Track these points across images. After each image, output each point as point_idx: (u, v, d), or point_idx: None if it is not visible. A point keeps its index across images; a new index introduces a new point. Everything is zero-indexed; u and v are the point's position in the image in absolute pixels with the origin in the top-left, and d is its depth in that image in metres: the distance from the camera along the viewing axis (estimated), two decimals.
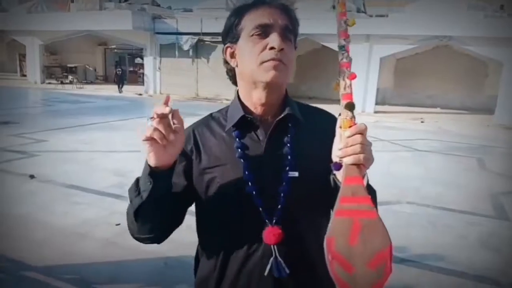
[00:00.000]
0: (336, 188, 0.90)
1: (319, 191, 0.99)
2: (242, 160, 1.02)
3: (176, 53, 18.27)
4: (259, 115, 1.06)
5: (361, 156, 0.84)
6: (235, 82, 1.11)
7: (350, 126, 0.86)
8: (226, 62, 1.09)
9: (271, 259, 0.99)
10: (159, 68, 19.32)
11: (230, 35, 1.05)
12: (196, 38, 17.73)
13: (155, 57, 19.31)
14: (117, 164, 6.39)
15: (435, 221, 4.54)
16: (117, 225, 3.96)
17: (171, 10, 21.81)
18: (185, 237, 3.48)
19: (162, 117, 0.85)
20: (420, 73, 18.28)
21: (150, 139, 0.86)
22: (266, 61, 0.97)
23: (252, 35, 0.99)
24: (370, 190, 1.01)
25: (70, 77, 23.07)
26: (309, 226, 1.04)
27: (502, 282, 3.25)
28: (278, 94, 1.05)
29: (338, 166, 0.89)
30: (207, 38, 17.64)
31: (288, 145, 1.03)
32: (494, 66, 15.50)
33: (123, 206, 5.09)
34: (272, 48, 0.96)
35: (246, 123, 1.05)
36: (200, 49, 18.20)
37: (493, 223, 4.59)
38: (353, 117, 0.88)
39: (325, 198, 0.98)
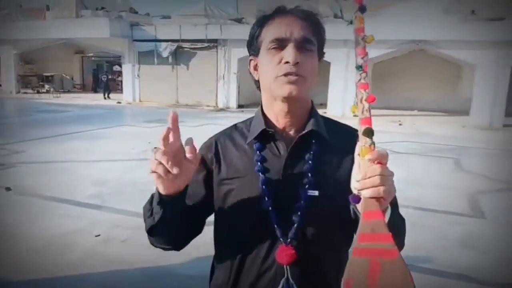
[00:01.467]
0: (356, 219, 0.85)
1: (339, 212, 0.94)
2: (260, 174, 0.99)
3: (155, 60, 18.16)
4: (282, 128, 1.04)
5: (381, 189, 0.77)
6: None
7: None
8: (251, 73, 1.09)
9: (283, 280, 0.95)
10: (138, 76, 19.15)
11: (252, 47, 1.05)
12: (175, 45, 17.67)
13: (133, 64, 19.14)
14: (97, 173, 6.29)
15: (415, 221, 4.62)
16: (96, 236, 3.90)
17: (149, 17, 21.70)
18: None
19: (167, 151, 0.83)
20: (397, 77, 18.62)
21: (155, 172, 0.84)
22: (281, 76, 0.96)
23: (269, 48, 0.98)
24: (400, 220, 0.99)
25: (46, 86, 22.63)
26: (325, 248, 1.00)
27: (480, 280, 3.34)
28: (300, 106, 1.02)
29: (357, 199, 0.82)
30: (186, 45, 17.60)
31: (310, 162, 1.00)
32: (468, 69, 15.90)
33: (103, 216, 5.01)
34: (287, 62, 0.95)
35: (268, 136, 1.03)
36: (179, 56, 18.14)
37: (471, 221, 4.71)
38: (373, 144, 0.81)
39: (345, 220, 0.93)
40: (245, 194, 1.00)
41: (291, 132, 1.03)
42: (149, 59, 18.38)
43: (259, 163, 1.01)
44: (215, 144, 1.08)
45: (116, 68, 26.41)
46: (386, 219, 0.81)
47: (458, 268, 3.51)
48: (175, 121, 0.84)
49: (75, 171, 6.48)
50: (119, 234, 4.00)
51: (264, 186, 0.98)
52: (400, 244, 0.92)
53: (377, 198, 0.78)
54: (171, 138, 0.83)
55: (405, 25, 13.94)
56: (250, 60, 1.06)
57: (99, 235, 3.89)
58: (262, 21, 1.02)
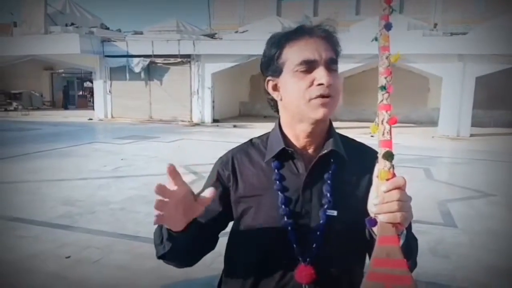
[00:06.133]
0: (371, 240, 0.85)
1: (357, 232, 0.94)
2: (279, 193, 0.99)
3: (127, 75, 17.95)
4: (301, 147, 1.03)
5: (398, 214, 0.77)
6: (277, 111, 1.08)
7: (388, 179, 0.79)
8: (267, 92, 1.06)
9: None
10: (110, 92, 18.88)
11: (271, 68, 1.01)
12: (148, 60, 17.55)
13: (105, 81, 18.86)
14: (66, 193, 6.11)
15: None
16: (67, 257, 3.77)
17: (121, 33, 21.48)
18: (144, 264, 3.36)
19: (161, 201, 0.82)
20: (368, 90, 18.93)
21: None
22: (314, 98, 0.94)
23: (297, 71, 0.95)
24: (413, 241, 1.00)
25: (14, 104, 22.00)
26: (343, 268, 1.00)
27: (452, 287, 3.40)
28: (323, 126, 1.02)
29: (373, 223, 0.81)
30: (159, 60, 17.50)
31: (329, 182, 0.99)
32: (435, 81, 16.44)
33: (72, 237, 4.84)
34: (320, 84, 0.93)
35: (286, 154, 1.02)
36: (152, 71, 18.01)
37: (441, 230, 4.81)
38: (392, 167, 0.80)
39: (362, 241, 0.93)
40: (263, 213, 1.00)
41: (310, 151, 1.03)
42: (121, 75, 18.15)
43: (278, 182, 1.00)
44: (232, 161, 1.07)
45: (87, 84, 25.97)
46: (401, 242, 0.80)
47: (429, 276, 3.57)
48: (172, 172, 0.82)
49: (43, 191, 6.26)
50: (90, 254, 3.88)
51: (283, 206, 0.98)
52: (412, 264, 0.95)
53: (394, 224, 0.78)
54: (173, 187, 0.82)
55: (372, 41, 14.30)
56: (268, 80, 1.03)
57: (69, 257, 3.76)
58: (281, 41, 0.99)
